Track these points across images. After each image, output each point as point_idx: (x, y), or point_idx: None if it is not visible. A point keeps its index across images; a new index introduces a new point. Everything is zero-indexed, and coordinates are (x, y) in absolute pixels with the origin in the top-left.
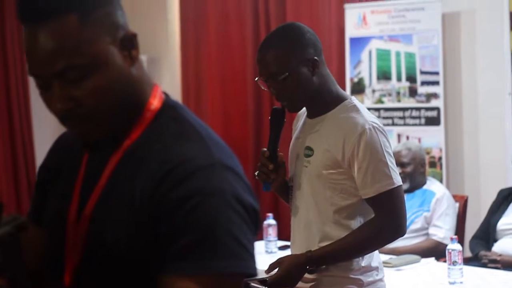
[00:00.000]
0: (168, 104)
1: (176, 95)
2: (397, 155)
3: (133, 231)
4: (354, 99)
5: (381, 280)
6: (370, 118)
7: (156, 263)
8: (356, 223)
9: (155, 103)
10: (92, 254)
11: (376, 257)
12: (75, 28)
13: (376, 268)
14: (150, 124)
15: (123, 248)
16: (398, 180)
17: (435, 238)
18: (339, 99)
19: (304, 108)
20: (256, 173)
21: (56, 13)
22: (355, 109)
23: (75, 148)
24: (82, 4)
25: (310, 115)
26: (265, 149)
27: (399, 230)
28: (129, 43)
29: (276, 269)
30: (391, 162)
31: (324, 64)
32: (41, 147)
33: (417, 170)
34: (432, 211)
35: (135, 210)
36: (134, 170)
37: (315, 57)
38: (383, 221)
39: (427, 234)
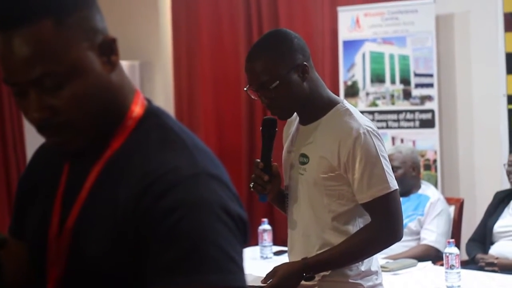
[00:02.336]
0: (150, 111)
1: (169, 100)
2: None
3: (115, 244)
4: (346, 103)
5: (380, 284)
6: (364, 122)
7: (141, 277)
8: (355, 228)
9: (137, 110)
10: (75, 268)
11: (375, 262)
12: (51, 33)
13: (376, 272)
14: (132, 132)
15: (105, 261)
16: (394, 184)
17: (425, 242)
18: (331, 104)
19: (295, 115)
20: (251, 185)
21: (31, 18)
22: (348, 113)
23: (56, 159)
24: (57, 9)
25: (303, 122)
26: (258, 160)
27: (395, 234)
28: (108, 48)
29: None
30: (387, 166)
31: (313, 68)
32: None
33: (407, 173)
34: (425, 215)
35: (117, 224)
36: (116, 181)
37: (305, 63)
38: (379, 226)
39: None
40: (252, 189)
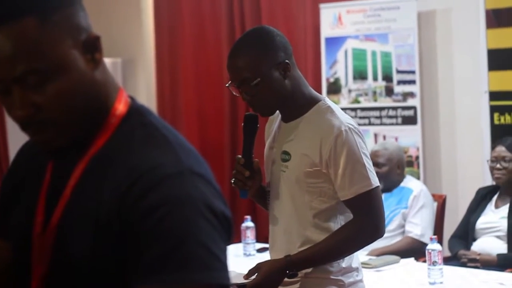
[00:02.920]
0: (134, 108)
1: (151, 97)
2: (374, 155)
3: (99, 242)
4: (328, 100)
5: (361, 280)
6: (346, 119)
7: (126, 275)
8: (336, 225)
9: (120, 107)
10: (59, 266)
11: (356, 258)
12: (34, 31)
13: (356, 269)
14: (115, 130)
15: (90, 259)
16: (375, 181)
17: (411, 235)
18: (313, 101)
19: (278, 112)
20: (232, 181)
21: (14, 16)
22: (330, 110)
23: (39, 157)
24: (41, 6)
25: (285, 119)
26: (240, 156)
27: (377, 231)
28: (92, 46)
29: (255, 275)
30: (368, 163)
31: (295, 66)
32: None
33: (392, 171)
34: (409, 208)
35: (101, 221)
36: (100, 179)
37: (286, 60)
38: (361, 222)
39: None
40: (233, 185)
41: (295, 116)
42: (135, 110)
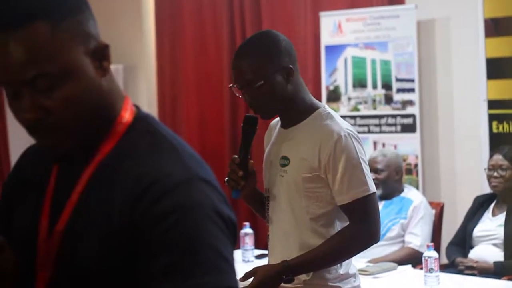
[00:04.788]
0: (139, 117)
1: (152, 103)
2: (372, 161)
3: (108, 248)
4: (327, 107)
5: (358, 286)
6: (345, 125)
7: (132, 282)
8: (333, 230)
9: (126, 116)
10: (64, 270)
11: (353, 265)
12: (46, 36)
13: (354, 275)
14: (122, 137)
15: (97, 265)
16: (373, 187)
17: (411, 246)
18: (313, 108)
19: (277, 119)
20: (225, 180)
21: (27, 21)
22: (330, 116)
23: (44, 161)
24: (53, 12)
25: (285, 125)
26: (236, 156)
27: (373, 236)
28: (101, 54)
29: (251, 278)
30: (366, 169)
31: (298, 72)
32: (17, 156)
33: (391, 177)
34: (409, 219)
35: (112, 228)
36: (108, 186)
37: (290, 66)
38: (357, 227)
39: (403, 241)
40: (226, 184)
41: (295, 122)
42: (141, 119)
